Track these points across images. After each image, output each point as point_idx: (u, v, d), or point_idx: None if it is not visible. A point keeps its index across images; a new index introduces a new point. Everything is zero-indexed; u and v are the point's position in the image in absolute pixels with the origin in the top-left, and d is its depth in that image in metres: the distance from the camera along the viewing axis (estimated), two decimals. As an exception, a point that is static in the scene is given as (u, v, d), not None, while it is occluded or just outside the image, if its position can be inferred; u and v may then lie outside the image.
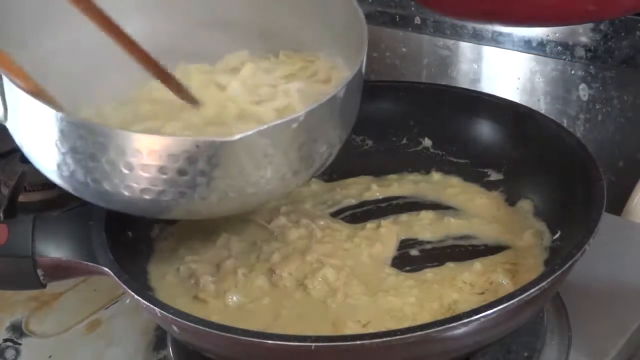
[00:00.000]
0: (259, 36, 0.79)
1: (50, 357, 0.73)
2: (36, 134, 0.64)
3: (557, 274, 0.60)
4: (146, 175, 0.61)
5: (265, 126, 0.61)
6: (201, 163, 0.60)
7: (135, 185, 0.62)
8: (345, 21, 0.73)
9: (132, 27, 0.70)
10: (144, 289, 0.67)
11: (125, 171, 0.61)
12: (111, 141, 0.60)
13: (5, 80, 0.62)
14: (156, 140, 0.60)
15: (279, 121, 0.62)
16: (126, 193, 0.62)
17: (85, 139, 0.60)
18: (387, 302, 0.68)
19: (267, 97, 0.72)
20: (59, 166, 0.63)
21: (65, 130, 0.61)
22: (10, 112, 0.64)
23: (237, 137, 0.60)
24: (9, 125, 0.66)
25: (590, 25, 0.94)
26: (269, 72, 0.75)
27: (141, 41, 0.70)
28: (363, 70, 0.69)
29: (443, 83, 1.06)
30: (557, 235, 0.72)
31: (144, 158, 0.60)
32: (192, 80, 0.73)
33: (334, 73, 0.74)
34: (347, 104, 0.68)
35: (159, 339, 0.74)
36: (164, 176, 0.61)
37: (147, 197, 0.62)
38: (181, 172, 0.61)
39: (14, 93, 0.63)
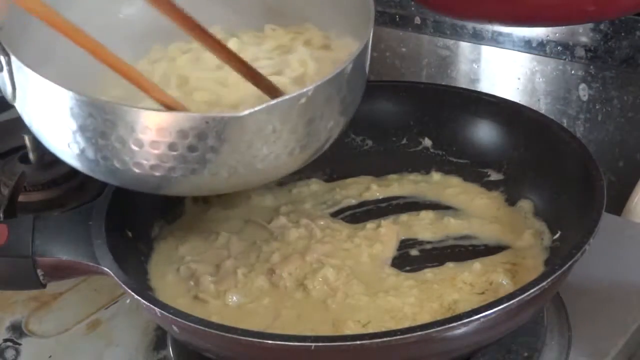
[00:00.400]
0: (262, 12, 0.79)
1: (50, 357, 0.73)
2: (46, 113, 0.64)
3: (557, 274, 0.60)
4: (156, 152, 0.61)
5: (274, 102, 0.61)
6: (211, 139, 0.60)
7: (145, 162, 0.62)
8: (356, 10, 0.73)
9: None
10: (144, 289, 0.67)
11: (135, 148, 0.61)
12: (121, 118, 0.60)
13: (14, 59, 0.63)
14: (166, 117, 0.60)
15: (286, 97, 0.62)
16: (136, 170, 0.62)
17: (95, 117, 0.61)
18: (387, 302, 0.68)
19: (271, 69, 0.72)
20: (69, 144, 0.63)
21: (75, 108, 0.61)
22: (19, 91, 0.64)
23: (245, 112, 0.60)
24: (17, 104, 0.66)
25: (590, 25, 0.94)
26: (258, 45, 0.75)
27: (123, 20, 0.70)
28: (370, 44, 0.69)
29: (443, 83, 1.06)
30: (557, 235, 0.72)
31: (154, 135, 0.60)
32: (178, 62, 0.73)
33: (333, 42, 0.74)
34: (354, 78, 0.67)
35: (159, 339, 0.74)
36: (174, 153, 0.61)
37: (157, 173, 0.62)
38: (191, 149, 0.61)
39: (23, 72, 0.63)
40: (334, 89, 0.65)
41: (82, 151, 0.63)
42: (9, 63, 0.63)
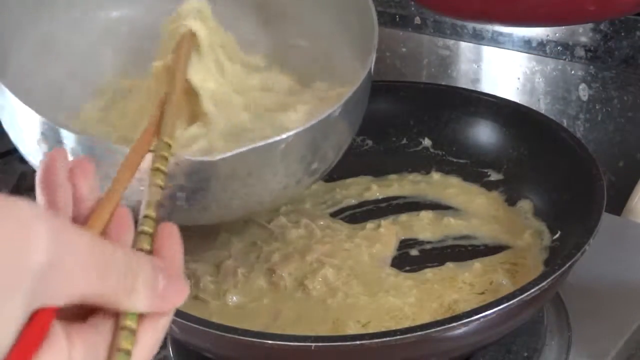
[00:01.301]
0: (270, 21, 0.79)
1: (50, 357, 0.73)
2: (20, 132, 0.64)
3: (557, 274, 0.60)
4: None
5: (245, 148, 0.60)
6: (180, 179, 0.60)
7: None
8: (359, 24, 0.72)
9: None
10: (144, 289, 0.67)
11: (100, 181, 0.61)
12: (91, 151, 0.59)
13: None
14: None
15: (262, 143, 0.60)
16: None
17: (63, 144, 0.60)
18: (387, 302, 0.68)
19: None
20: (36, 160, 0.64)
21: (47, 133, 0.61)
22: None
23: (217, 157, 0.59)
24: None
25: (590, 25, 0.94)
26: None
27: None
28: (369, 84, 0.68)
29: (443, 83, 1.06)
30: (557, 235, 0.72)
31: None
32: None
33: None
34: (347, 116, 0.67)
35: (159, 338, 0.73)
36: (141, 188, 0.61)
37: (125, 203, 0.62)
38: (181, 189, 0.60)
39: (4, 94, 0.63)
40: (319, 132, 0.64)
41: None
42: None
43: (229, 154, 0.59)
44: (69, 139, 0.60)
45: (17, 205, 0.32)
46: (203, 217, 0.65)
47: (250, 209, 0.68)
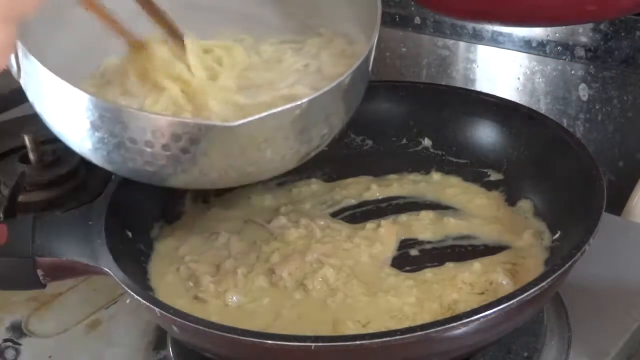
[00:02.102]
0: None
1: (50, 357, 0.73)
2: (48, 100, 0.66)
3: (557, 274, 0.60)
4: (149, 150, 0.63)
5: (265, 113, 0.62)
6: (203, 144, 0.62)
7: (138, 158, 0.64)
8: (362, 4, 0.73)
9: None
10: (144, 289, 0.67)
11: (130, 145, 0.63)
12: (118, 118, 0.62)
13: (20, 45, 0.64)
14: (161, 121, 0.62)
15: (280, 109, 0.63)
16: (130, 164, 0.64)
17: (94, 113, 0.63)
18: (387, 302, 0.68)
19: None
20: (67, 131, 0.66)
21: (81, 105, 0.63)
22: (23, 72, 0.66)
23: (237, 123, 0.61)
24: (22, 82, 0.68)
25: (590, 25, 0.94)
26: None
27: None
28: (372, 56, 0.69)
29: (443, 83, 1.06)
30: (557, 235, 0.72)
31: (149, 136, 0.62)
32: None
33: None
34: (352, 89, 0.68)
35: (159, 339, 0.73)
36: (167, 153, 0.63)
37: (149, 169, 0.64)
38: (183, 151, 0.62)
39: (30, 61, 0.64)
40: (329, 100, 0.66)
41: (81, 140, 0.65)
42: (14, 47, 0.65)
43: (249, 119, 0.61)
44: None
45: None
46: (219, 181, 0.67)
47: (263, 173, 0.70)
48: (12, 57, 0.65)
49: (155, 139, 0.62)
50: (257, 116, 0.62)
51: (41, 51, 0.67)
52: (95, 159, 0.67)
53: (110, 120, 0.62)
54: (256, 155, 0.65)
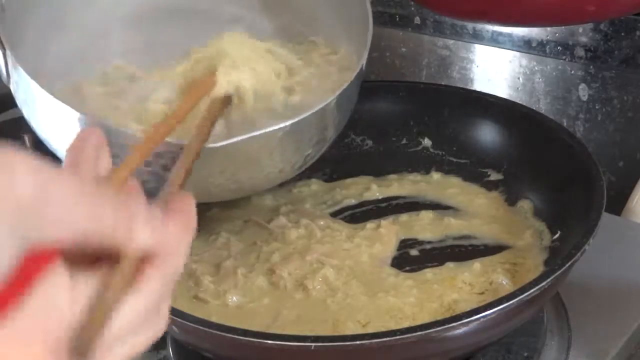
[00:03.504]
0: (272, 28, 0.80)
1: (50, 357, 0.73)
2: (35, 110, 0.67)
3: (557, 274, 0.60)
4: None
5: (248, 135, 0.62)
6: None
7: None
8: (355, 20, 0.73)
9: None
10: (144, 289, 0.67)
11: (113, 160, 0.63)
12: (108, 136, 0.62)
13: (10, 54, 0.65)
14: (129, 135, 0.62)
15: (263, 130, 0.63)
16: None
17: (78, 126, 0.64)
18: (387, 302, 0.68)
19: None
20: (53, 140, 0.68)
21: (66, 118, 0.64)
22: (12, 80, 0.67)
23: (220, 144, 0.61)
24: (11, 87, 0.69)
25: (590, 25, 0.94)
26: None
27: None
28: (362, 76, 0.69)
29: (443, 83, 1.06)
30: (557, 235, 0.72)
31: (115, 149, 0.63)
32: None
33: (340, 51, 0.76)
34: (339, 108, 0.69)
35: (159, 338, 0.73)
36: (148, 169, 0.64)
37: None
38: (164, 168, 0.63)
39: (18, 72, 0.65)
40: (315, 121, 0.67)
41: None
42: (4, 56, 0.66)
43: (231, 140, 0.62)
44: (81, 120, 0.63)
45: (2, 148, 0.32)
46: (203, 197, 0.67)
47: (246, 190, 0.72)
48: (2, 67, 0.67)
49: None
50: (238, 137, 0.62)
51: (38, 54, 0.68)
52: None
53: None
54: (237, 174, 0.66)
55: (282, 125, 0.63)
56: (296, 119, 0.64)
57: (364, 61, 0.70)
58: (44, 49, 0.73)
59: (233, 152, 0.63)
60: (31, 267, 0.33)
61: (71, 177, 0.35)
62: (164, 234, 0.38)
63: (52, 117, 0.66)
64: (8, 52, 0.65)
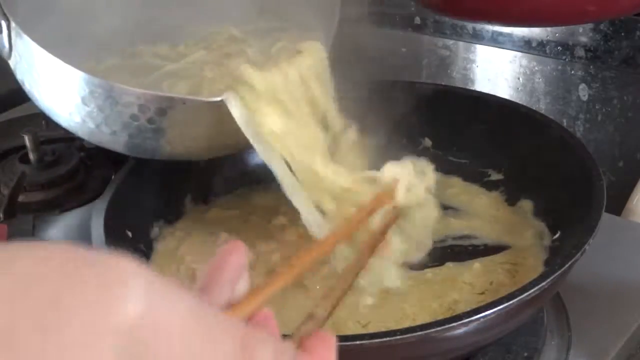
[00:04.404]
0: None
1: (50, 357, 0.73)
2: (41, 76, 0.69)
3: (557, 274, 0.60)
4: (135, 123, 0.67)
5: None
6: (172, 114, 0.65)
7: (108, 128, 0.68)
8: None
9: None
10: (144, 289, 0.67)
11: (101, 114, 0.67)
12: (107, 93, 0.66)
13: (14, 25, 0.66)
14: (130, 92, 0.65)
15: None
16: (105, 130, 0.68)
17: (84, 88, 0.66)
18: (387, 302, 0.68)
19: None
20: (55, 105, 0.70)
21: (73, 82, 0.66)
22: (14, 52, 0.69)
23: (220, 98, 0.64)
24: (11, 62, 0.70)
25: (590, 25, 0.94)
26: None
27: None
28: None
29: (443, 83, 1.06)
30: (557, 235, 0.72)
31: (135, 109, 0.66)
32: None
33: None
34: None
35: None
36: (135, 123, 0.66)
37: (135, 141, 0.68)
38: (150, 121, 0.66)
39: (23, 40, 0.66)
40: None
41: (70, 114, 0.68)
42: (8, 27, 0.68)
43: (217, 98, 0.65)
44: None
45: (116, 258, 0.30)
46: (185, 152, 0.71)
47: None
48: (5, 41, 0.68)
49: (141, 112, 0.65)
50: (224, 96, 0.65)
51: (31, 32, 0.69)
52: (82, 132, 0.70)
53: (100, 96, 0.65)
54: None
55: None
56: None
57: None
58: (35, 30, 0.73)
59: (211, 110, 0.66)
60: None
61: (184, 295, 0.31)
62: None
63: (56, 82, 0.67)
64: (12, 24, 0.66)
